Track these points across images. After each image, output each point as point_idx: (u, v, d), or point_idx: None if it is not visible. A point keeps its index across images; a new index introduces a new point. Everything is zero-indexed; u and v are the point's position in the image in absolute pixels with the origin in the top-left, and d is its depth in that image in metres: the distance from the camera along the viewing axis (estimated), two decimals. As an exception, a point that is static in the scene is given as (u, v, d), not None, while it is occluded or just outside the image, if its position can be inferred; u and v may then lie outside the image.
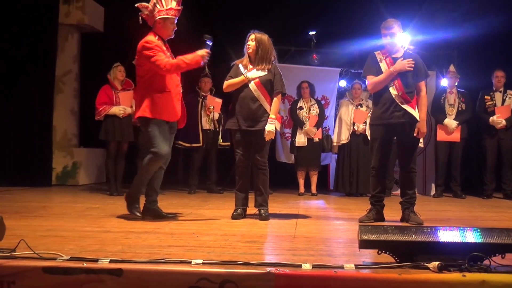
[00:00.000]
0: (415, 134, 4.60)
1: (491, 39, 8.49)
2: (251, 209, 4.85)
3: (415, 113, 4.60)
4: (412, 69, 4.57)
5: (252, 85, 4.70)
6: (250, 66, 4.78)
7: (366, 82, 4.94)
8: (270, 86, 4.76)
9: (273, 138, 4.75)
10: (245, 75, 4.70)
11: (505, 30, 8.48)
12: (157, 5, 4.50)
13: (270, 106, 4.73)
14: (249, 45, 4.74)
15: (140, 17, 4.58)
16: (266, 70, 4.73)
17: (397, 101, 4.56)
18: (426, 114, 4.70)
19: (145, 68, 4.50)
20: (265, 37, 4.75)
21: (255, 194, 4.81)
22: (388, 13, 4.79)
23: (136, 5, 4.58)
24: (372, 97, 4.91)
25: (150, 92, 4.47)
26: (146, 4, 4.54)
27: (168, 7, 4.51)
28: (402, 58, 4.65)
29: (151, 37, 4.51)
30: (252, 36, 4.74)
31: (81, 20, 8.59)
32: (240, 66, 4.81)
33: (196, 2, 8.82)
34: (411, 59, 4.60)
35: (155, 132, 4.43)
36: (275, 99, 4.75)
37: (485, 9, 8.44)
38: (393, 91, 4.59)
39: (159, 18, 4.50)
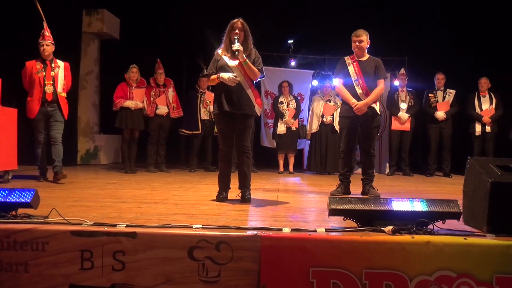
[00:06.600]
0: (353, 106, 4.52)
1: (434, 48, 8.56)
2: (233, 191, 4.18)
3: (376, 107, 4.59)
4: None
5: (237, 71, 3.88)
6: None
7: (334, 80, 4.88)
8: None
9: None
10: (234, 76, 3.84)
11: (445, 40, 8.56)
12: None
13: (253, 92, 3.96)
14: (237, 33, 3.85)
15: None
16: (248, 55, 3.91)
17: (361, 98, 4.54)
18: (372, 100, 4.53)
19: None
20: (246, 24, 3.95)
21: (240, 176, 4.07)
22: (352, 26, 4.71)
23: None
24: None
25: None
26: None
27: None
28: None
29: None
30: (240, 25, 3.88)
31: (100, 29, 8.49)
32: (225, 58, 3.94)
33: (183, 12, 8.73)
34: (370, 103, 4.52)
35: None
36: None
37: (429, 24, 8.53)
38: (358, 90, 4.56)
39: None
